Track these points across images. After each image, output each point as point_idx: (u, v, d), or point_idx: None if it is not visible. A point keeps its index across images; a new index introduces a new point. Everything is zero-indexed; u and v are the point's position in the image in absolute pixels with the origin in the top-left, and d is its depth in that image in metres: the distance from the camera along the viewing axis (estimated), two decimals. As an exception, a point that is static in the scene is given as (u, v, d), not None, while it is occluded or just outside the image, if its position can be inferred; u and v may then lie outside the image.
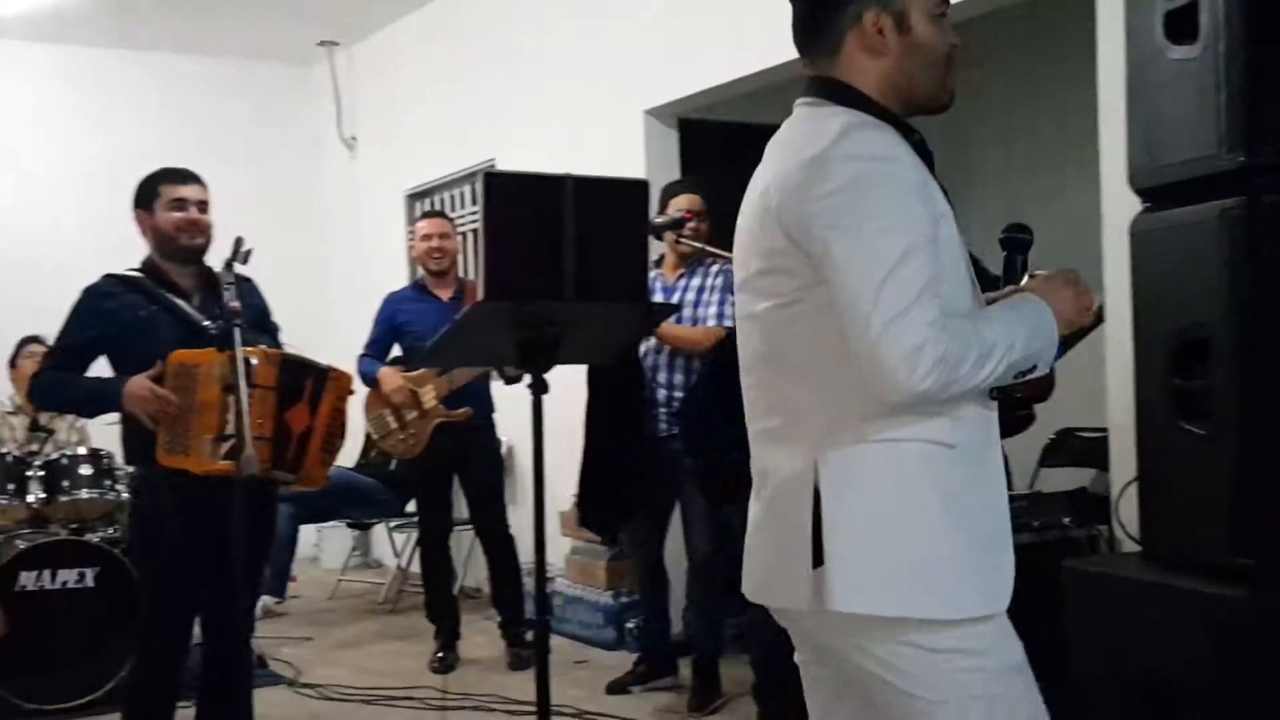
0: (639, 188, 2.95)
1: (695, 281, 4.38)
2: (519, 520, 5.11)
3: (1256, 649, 2.66)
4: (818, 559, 1.76)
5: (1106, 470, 3.77)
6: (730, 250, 2.00)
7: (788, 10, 1.93)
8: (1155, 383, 2.95)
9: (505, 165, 6.19)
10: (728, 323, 4.09)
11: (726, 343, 3.82)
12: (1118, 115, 3.18)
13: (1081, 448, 4.61)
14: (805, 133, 1.82)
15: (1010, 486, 4.55)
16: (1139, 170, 3.02)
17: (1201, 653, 2.72)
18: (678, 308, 4.23)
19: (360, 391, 4.51)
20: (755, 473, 1.95)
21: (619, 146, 5.47)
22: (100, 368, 3.41)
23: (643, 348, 4.35)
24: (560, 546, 5.56)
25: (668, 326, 4.18)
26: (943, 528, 1.76)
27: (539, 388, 2.71)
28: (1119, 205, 3.28)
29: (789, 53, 1.97)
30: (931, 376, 1.67)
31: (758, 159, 1.94)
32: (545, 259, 2.64)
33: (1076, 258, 3.79)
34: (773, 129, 1.94)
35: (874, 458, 1.77)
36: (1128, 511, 3.25)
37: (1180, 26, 2.83)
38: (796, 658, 1.99)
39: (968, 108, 6.61)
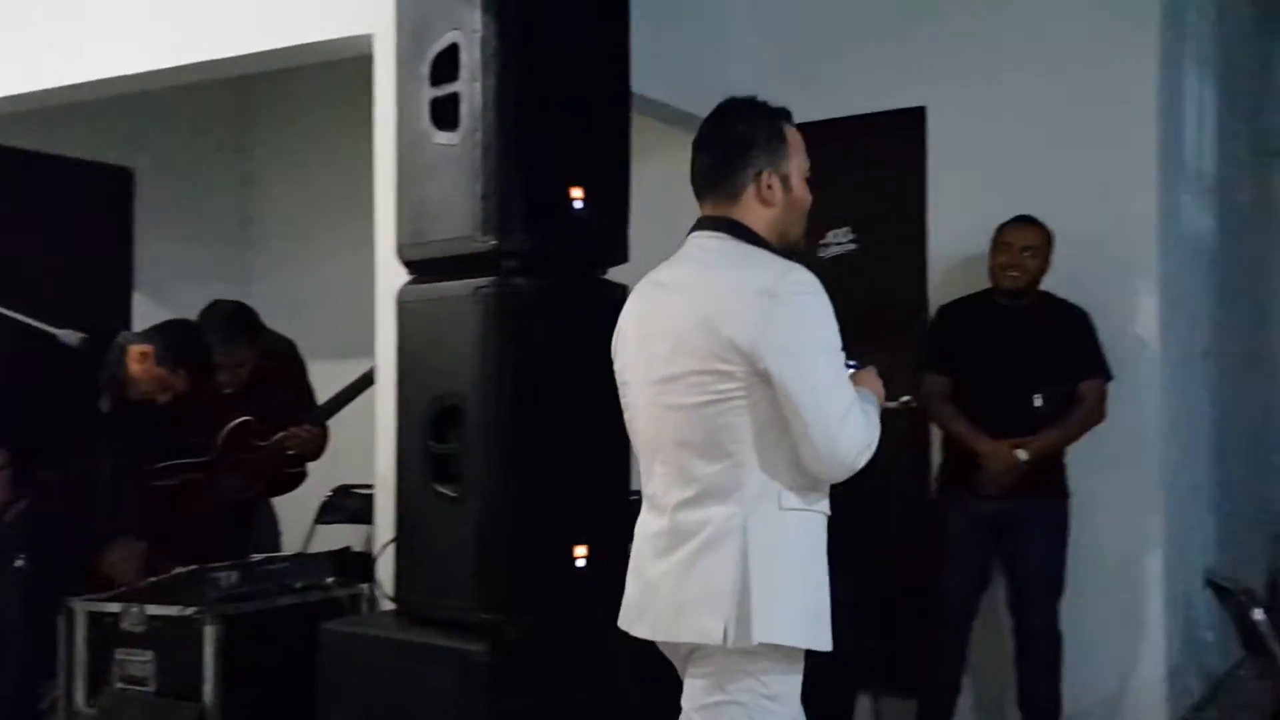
0: None
1: None
2: None
3: (496, 702, 2.85)
4: (745, 600, 2.20)
5: (377, 528, 3.87)
6: None
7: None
8: (414, 445, 3.09)
9: None
10: None
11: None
12: (390, 190, 3.29)
13: (356, 505, 4.71)
14: (740, 265, 2.30)
15: (278, 548, 4.59)
16: (406, 244, 3.17)
17: (447, 707, 2.87)
18: None
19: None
20: (665, 533, 2.32)
21: None
22: None
23: None
24: None
25: None
26: (825, 580, 2.30)
27: None
28: (390, 275, 3.39)
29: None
30: (864, 458, 2.24)
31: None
32: None
33: (356, 321, 3.93)
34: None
35: (791, 522, 2.26)
36: (389, 569, 3.33)
37: (444, 114, 3.02)
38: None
39: (264, 161, 6.73)
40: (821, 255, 4.72)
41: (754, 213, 2.37)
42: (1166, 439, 4.33)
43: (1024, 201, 4.17)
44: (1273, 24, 5.89)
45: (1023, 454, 3.95)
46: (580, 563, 2.99)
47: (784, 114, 2.44)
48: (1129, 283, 4.27)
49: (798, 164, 2.41)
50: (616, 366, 2.49)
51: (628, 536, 2.45)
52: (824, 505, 2.32)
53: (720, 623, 2.20)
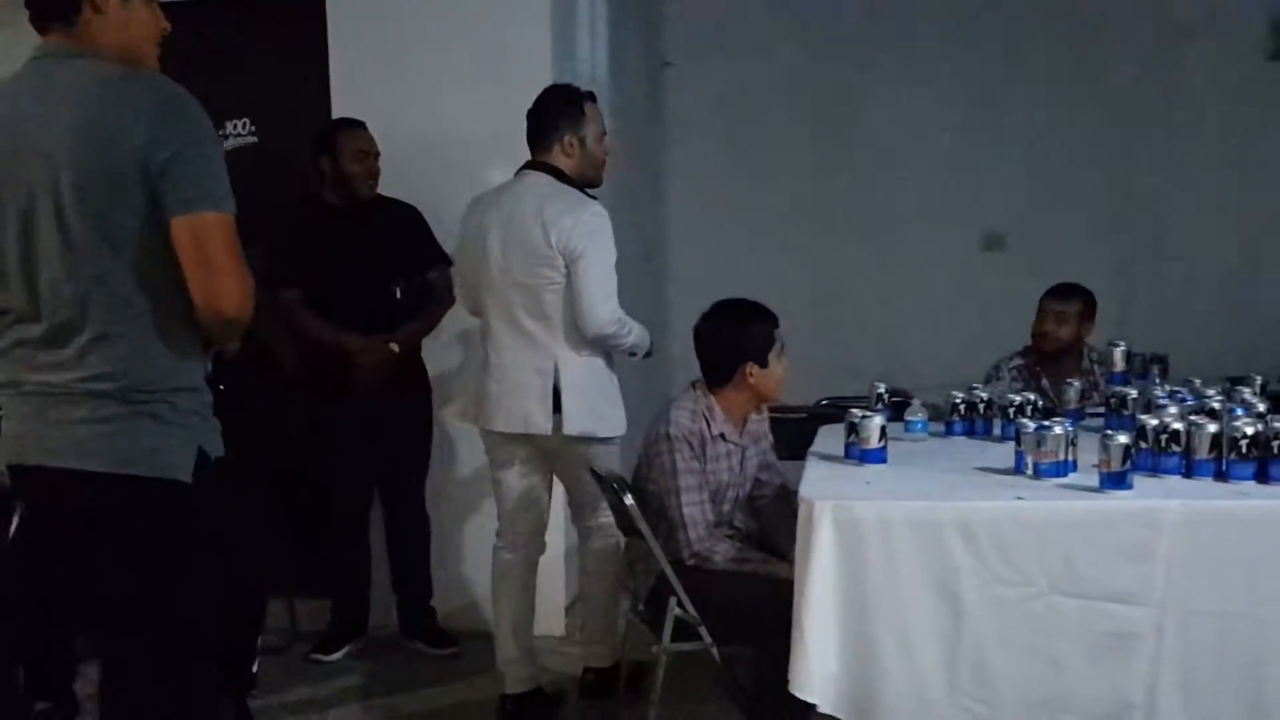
0: None
1: None
2: None
3: None
4: (557, 407, 3.54)
5: None
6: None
7: None
8: None
9: None
10: None
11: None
12: None
13: None
14: (562, 195, 3.52)
15: None
16: None
17: None
18: None
19: None
20: (500, 366, 3.63)
21: None
22: None
23: None
24: None
25: None
26: (612, 395, 3.66)
27: None
28: None
29: None
30: (613, 328, 3.50)
31: None
32: None
33: None
34: None
35: (583, 361, 3.56)
36: None
37: None
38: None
39: None
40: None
41: (561, 162, 3.56)
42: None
43: (425, 108, 4.33)
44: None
45: (394, 346, 4.15)
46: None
47: (588, 96, 3.62)
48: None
49: (593, 131, 3.59)
50: (461, 253, 3.73)
51: None
52: (606, 359, 3.62)
53: (541, 421, 3.54)
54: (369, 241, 4.18)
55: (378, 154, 4.20)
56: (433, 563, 4.45)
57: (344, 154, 4.14)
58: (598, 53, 5.15)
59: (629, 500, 3.21)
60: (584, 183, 3.58)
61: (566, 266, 3.44)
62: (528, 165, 3.60)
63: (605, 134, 3.65)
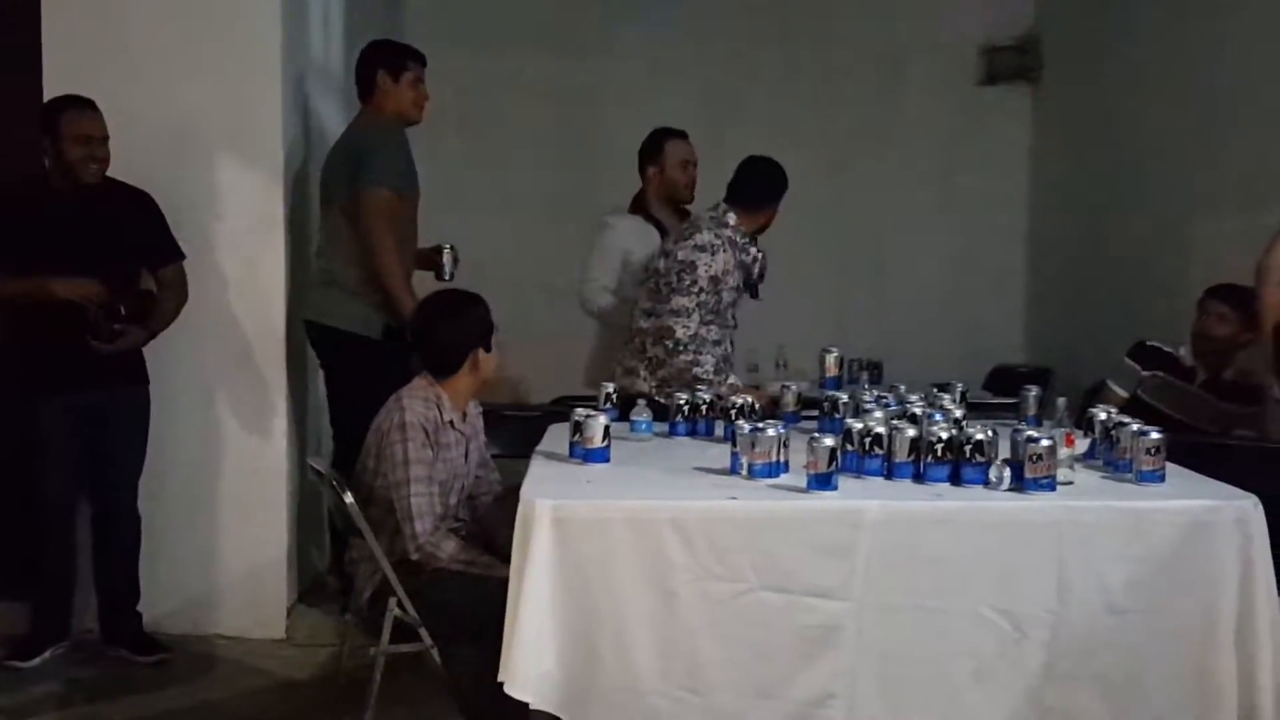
0: None
1: None
2: None
3: None
4: None
5: None
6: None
7: None
8: None
9: None
10: None
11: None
12: None
13: None
14: None
15: None
16: None
17: None
18: None
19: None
20: None
21: None
22: None
23: None
24: None
25: None
26: None
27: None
28: None
29: None
30: None
31: None
32: None
33: None
34: None
35: None
36: None
37: None
38: None
39: None
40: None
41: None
42: (292, 332, 4.43)
43: (149, 91, 4.17)
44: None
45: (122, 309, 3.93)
46: None
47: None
48: (254, 172, 4.29)
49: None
50: None
51: None
52: None
53: None
54: (94, 229, 3.93)
55: (105, 137, 3.91)
56: (143, 564, 4.22)
57: (65, 136, 3.86)
58: (332, 40, 5.04)
59: (349, 498, 3.15)
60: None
61: None
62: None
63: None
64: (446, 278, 4.54)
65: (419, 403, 3.33)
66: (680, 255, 4.20)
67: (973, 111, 6.74)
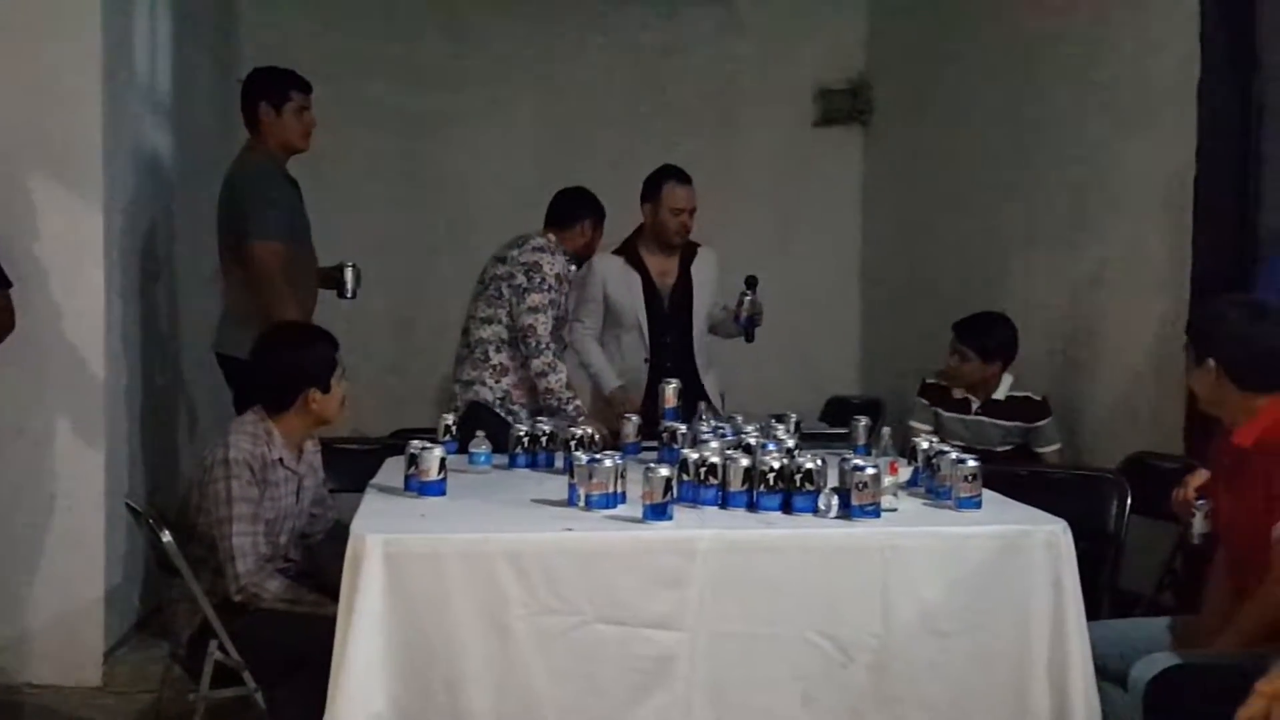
0: None
1: None
2: None
3: None
4: None
5: None
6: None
7: None
8: None
9: None
10: None
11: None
12: None
13: None
14: None
15: None
16: None
17: None
18: None
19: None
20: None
21: None
22: None
23: None
24: None
25: None
26: None
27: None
28: None
29: None
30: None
31: None
32: None
33: None
34: None
35: None
36: None
37: None
38: None
39: None
40: None
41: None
42: (112, 361, 4.25)
43: None
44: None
45: None
46: None
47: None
48: (71, 193, 4.11)
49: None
50: None
51: None
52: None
53: None
54: None
55: None
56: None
57: None
58: (159, 66, 4.89)
59: (166, 537, 3.02)
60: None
61: None
62: None
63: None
64: (349, 295, 4.55)
65: (245, 439, 3.22)
66: (522, 259, 4.34)
67: (807, 152, 6.92)
